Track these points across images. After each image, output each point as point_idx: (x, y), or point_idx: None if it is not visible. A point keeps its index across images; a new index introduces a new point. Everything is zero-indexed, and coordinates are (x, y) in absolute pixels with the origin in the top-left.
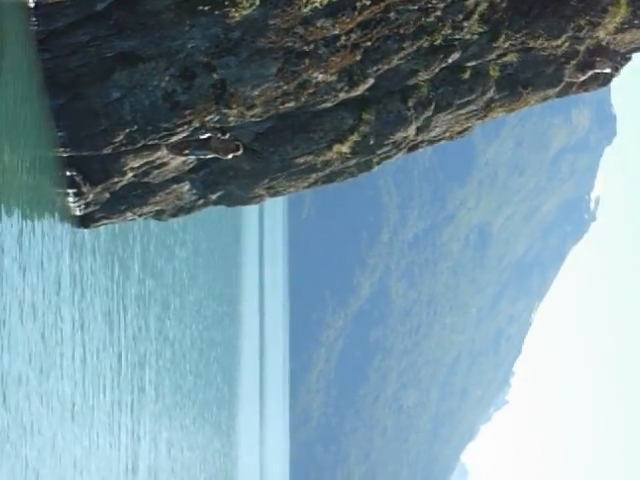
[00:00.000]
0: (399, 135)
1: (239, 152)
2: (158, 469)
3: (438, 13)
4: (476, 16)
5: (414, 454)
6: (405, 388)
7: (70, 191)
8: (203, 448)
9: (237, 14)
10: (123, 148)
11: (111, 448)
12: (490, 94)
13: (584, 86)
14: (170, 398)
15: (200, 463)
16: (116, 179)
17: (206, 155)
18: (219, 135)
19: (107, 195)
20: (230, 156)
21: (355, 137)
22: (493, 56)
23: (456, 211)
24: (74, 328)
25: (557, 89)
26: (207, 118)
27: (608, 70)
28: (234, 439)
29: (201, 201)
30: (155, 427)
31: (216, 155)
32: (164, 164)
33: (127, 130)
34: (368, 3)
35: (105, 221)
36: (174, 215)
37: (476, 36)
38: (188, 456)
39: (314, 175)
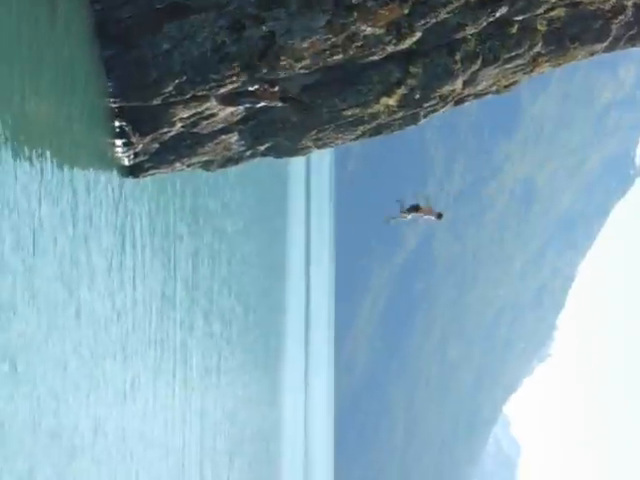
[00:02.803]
0: (446, 89)
1: (287, 101)
2: (205, 413)
3: None
4: None
5: (457, 405)
6: (449, 339)
7: (119, 141)
8: (248, 395)
9: None
10: (172, 99)
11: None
12: (537, 48)
13: (631, 42)
14: (217, 346)
15: (246, 409)
16: (165, 129)
17: (255, 105)
18: (267, 87)
19: (156, 145)
20: (279, 104)
21: (402, 90)
22: (541, 10)
23: (501, 165)
24: (125, 275)
25: (604, 44)
26: (255, 70)
27: None
28: (279, 387)
29: (249, 152)
30: (203, 374)
31: (265, 104)
32: (213, 115)
33: (176, 81)
34: None
35: (154, 171)
36: (222, 166)
37: None
38: (234, 402)
39: (361, 127)
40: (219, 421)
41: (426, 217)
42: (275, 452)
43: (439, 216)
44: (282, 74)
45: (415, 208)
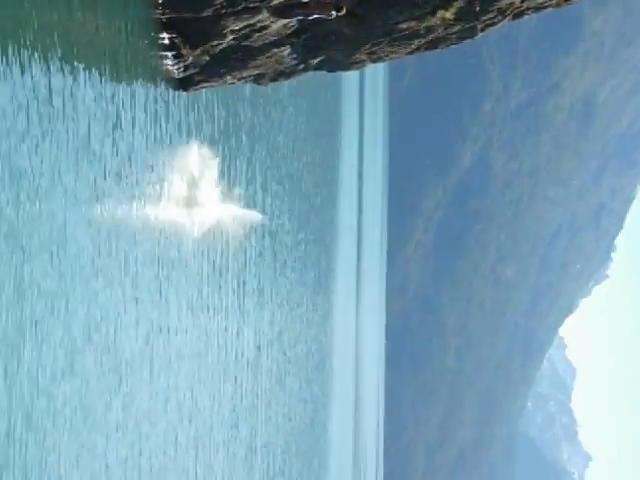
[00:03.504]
0: (504, 1)
1: (342, 11)
2: (257, 332)
3: None
4: None
5: (512, 327)
6: (504, 260)
7: (169, 54)
8: (299, 315)
9: None
10: (223, 10)
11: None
12: None
13: None
14: (268, 265)
15: (296, 330)
16: (216, 42)
17: (308, 17)
18: None
19: (206, 58)
20: (333, 15)
21: (459, 3)
22: None
23: (560, 81)
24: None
25: None
26: None
27: None
28: (331, 307)
29: (301, 66)
30: (255, 293)
31: (318, 15)
32: (265, 27)
33: None
34: None
35: (204, 84)
36: (274, 80)
37: None
38: (284, 322)
39: (416, 41)
40: (270, 341)
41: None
42: (326, 372)
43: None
44: None
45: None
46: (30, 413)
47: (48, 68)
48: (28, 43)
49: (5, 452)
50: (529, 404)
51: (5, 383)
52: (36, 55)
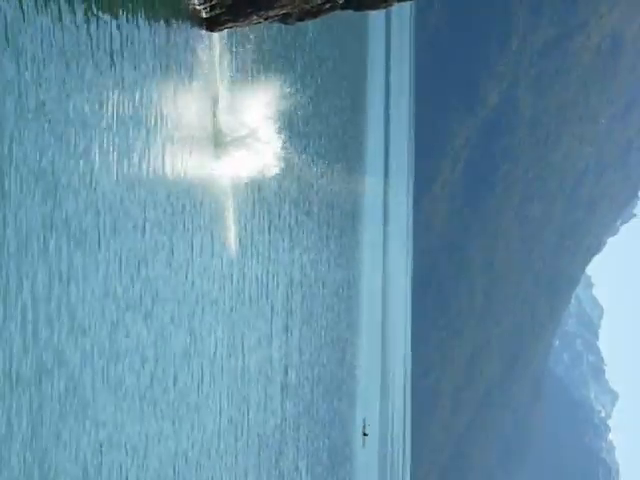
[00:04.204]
0: None
1: None
2: (284, 271)
3: None
4: None
5: (539, 265)
6: (531, 199)
7: None
8: (327, 255)
9: None
10: None
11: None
12: None
13: None
14: (295, 206)
15: (324, 269)
16: None
17: None
18: None
19: None
20: None
21: None
22: None
23: (588, 18)
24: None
25: None
26: None
27: None
28: (358, 246)
29: (328, 5)
30: (283, 233)
31: None
32: None
33: None
34: None
35: (231, 24)
36: (300, 19)
37: None
38: (311, 262)
39: None
40: (300, 281)
41: None
42: (353, 312)
43: None
44: None
45: None
46: None
47: (75, 4)
48: None
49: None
50: (556, 342)
51: None
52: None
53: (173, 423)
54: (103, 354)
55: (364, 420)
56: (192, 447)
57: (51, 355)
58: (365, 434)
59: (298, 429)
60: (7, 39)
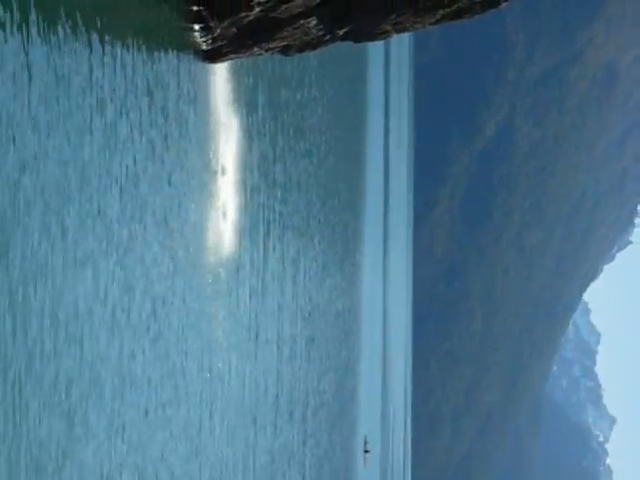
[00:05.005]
0: None
1: None
2: (288, 305)
3: None
4: None
5: (536, 292)
6: (529, 226)
7: (197, 26)
8: (327, 279)
9: None
10: None
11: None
12: None
13: None
14: (297, 232)
15: (324, 293)
16: (244, 14)
17: None
18: None
19: (234, 30)
20: None
21: None
22: None
23: (584, 48)
24: (203, 158)
25: None
26: None
27: None
28: (358, 270)
29: (328, 36)
30: (285, 258)
31: None
32: None
33: None
34: None
35: (232, 56)
36: (300, 51)
37: None
38: (312, 285)
39: (441, 11)
40: (300, 306)
41: None
42: (354, 335)
43: None
44: None
45: None
46: None
47: (73, 38)
48: (53, 11)
49: None
50: (554, 368)
51: None
52: (62, 24)
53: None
54: None
55: (365, 437)
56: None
57: None
58: (366, 451)
59: (299, 456)
60: None
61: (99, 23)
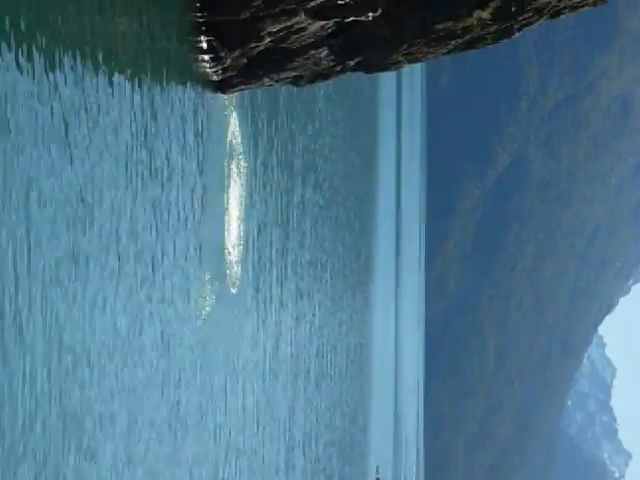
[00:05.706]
0: (541, 1)
1: (378, 12)
2: (297, 330)
3: None
4: None
5: (551, 326)
6: (542, 259)
7: (207, 56)
8: (339, 315)
9: None
10: (261, 13)
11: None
12: None
13: None
14: (310, 268)
15: (336, 329)
16: (254, 44)
17: (345, 18)
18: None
19: (245, 60)
20: (370, 16)
21: (496, 3)
22: None
23: (597, 80)
24: (217, 188)
25: None
26: None
27: None
28: (370, 307)
29: (339, 67)
30: (297, 294)
31: (356, 17)
32: (302, 29)
33: None
34: None
35: (243, 86)
36: (311, 81)
37: None
38: (323, 321)
39: (453, 42)
40: (310, 340)
41: None
42: (366, 372)
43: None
44: None
45: None
46: None
47: (87, 70)
48: (67, 45)
49: None
50: (569, 403)
51: None
52: (76, 57)
53: None
54: None
55: (377, 467)
56: None
57: None
58: (378, 479)
59: None
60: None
61: (111, 55)
